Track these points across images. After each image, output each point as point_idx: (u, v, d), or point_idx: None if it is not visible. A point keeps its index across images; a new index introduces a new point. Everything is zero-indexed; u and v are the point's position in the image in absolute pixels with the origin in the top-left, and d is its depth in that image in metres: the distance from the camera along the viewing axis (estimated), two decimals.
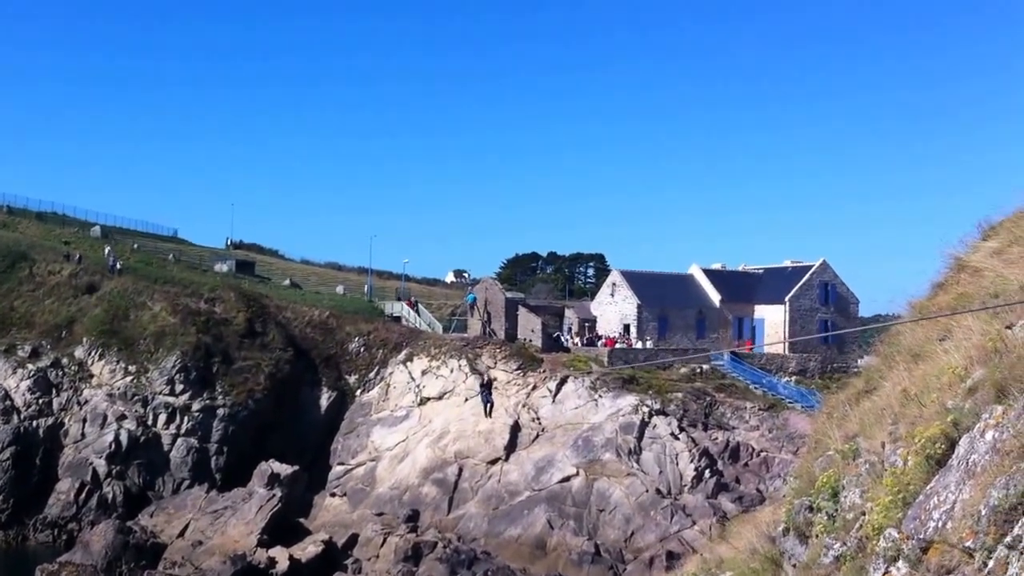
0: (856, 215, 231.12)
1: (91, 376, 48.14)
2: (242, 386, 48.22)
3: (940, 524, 4.56)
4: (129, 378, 47.54)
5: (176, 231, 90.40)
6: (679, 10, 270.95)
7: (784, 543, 7.58)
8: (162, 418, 46.16)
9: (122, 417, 45.75)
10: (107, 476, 43.99)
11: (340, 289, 71.40)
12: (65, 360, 48.62)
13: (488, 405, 44.30)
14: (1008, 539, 3.85)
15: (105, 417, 45.86)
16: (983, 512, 4.16)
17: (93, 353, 48.80)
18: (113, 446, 44.51)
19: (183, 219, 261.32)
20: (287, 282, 71.19)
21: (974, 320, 6.81)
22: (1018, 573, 3.64)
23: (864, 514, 5.73)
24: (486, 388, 44.47)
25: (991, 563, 3.90)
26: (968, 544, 4.16)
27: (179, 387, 46.89)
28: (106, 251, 61.03)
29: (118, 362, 48.22)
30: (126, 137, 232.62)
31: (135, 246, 69.88)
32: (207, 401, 47.03)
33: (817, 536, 6.59)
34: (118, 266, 56.67)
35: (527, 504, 40.01)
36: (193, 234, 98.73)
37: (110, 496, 43.42)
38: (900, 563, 4.76)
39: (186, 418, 46.27)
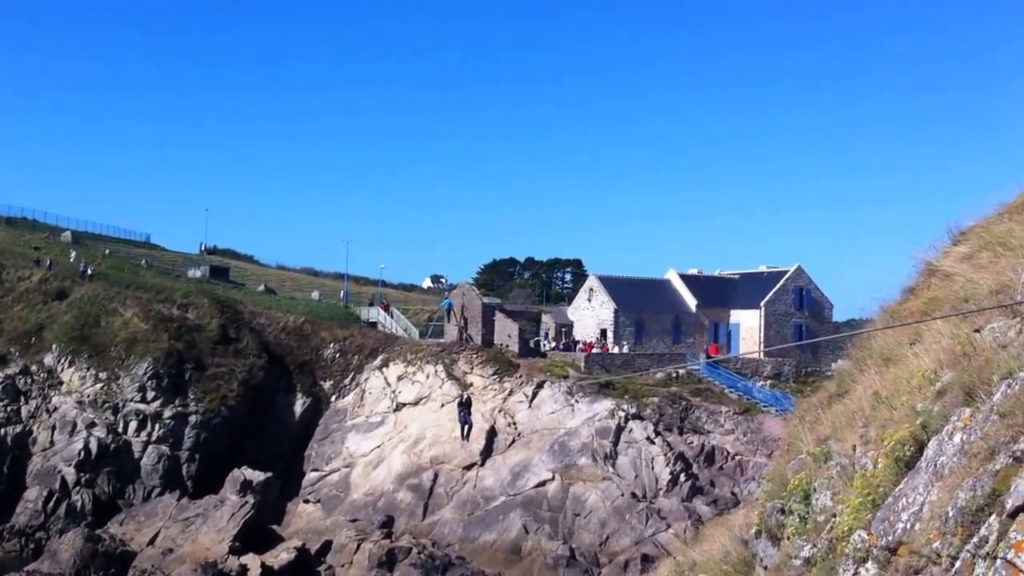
0: (830, 221, 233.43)
1: (60, 383, 47.45)
2: (215, 393, 47.71)
3: (908, 526, 4.57)
4: (99, 385, 46.88)
5: (149, 236, 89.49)
6: (655, 17, 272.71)
7: (756, 545, 7.60)
8: (133, 425, 45.55)
9: (92, 424, 45.11)
10: (76, 484, 43.33)
11: (316, 295, 70.90)
12: (34, 367, 47.90)
13: (466, 427, 39.33)
14: (975, 540, 3.85)
15: (74, 424, 45.20)
16: (951, 514, 4.17)
17: (63, 360, 48.10)
18: (82, 454, 43.87)
19: (156, 224, 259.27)
20: (262, 288, 70.52)
21: (944, 324, 6.85)
22: (984, 574, 3.64)
23: (835, 516, 5.75)
24: (465, 408, 39.35)
25: (958, 564, 3.91)
26: (936, 545, 4.16)
27: (151, 394, 46.29)
28: (72, 256, 60.23)
29: (88, 369, 47.54)
30: (98, 142, 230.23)
31: (107, 252, 69.02)
32: (179, 408, 46.46)
33: (789, 538, 6.61)
34: (89, 272, 55.95)
35: (502, 509, 39.93)
36: (166, 239, 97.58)
37: (79, 504, 42.76)
38: (869, 564, 4.77)
39: (157, 425, 45.68)
